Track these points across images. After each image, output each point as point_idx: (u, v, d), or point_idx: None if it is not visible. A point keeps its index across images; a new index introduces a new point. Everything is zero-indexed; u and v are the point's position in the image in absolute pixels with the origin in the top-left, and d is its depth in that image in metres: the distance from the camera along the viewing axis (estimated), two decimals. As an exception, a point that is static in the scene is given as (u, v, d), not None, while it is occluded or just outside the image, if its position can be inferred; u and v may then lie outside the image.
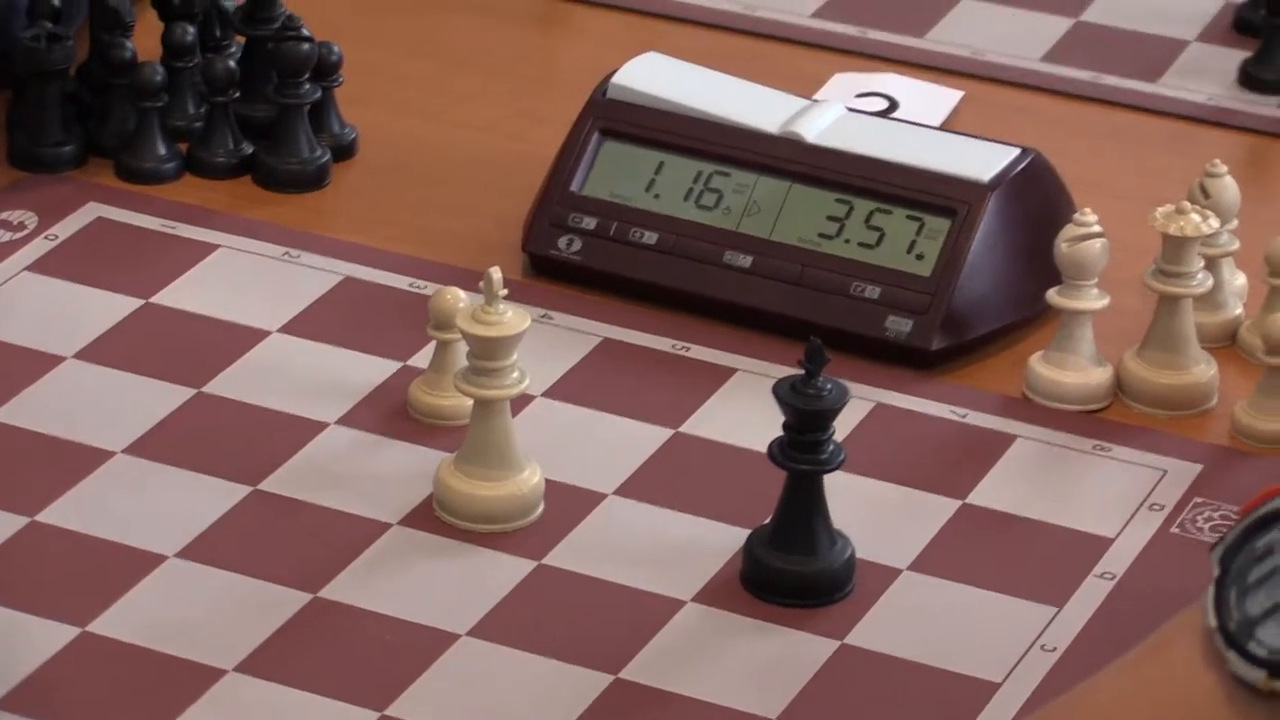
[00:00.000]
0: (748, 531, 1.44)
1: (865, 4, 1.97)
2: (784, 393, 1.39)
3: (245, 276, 1.66)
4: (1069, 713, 1.06)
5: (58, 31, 1.71)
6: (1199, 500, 1.50)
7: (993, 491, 1.51)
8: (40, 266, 1.66)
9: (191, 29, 1.72)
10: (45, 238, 1.67)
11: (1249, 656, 0.93)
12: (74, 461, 1.49)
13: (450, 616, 1.39)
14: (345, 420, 1.55)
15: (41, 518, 1.44)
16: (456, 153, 1.75)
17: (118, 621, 1.36)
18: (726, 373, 1.60)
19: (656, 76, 1.68)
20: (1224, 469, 1.52)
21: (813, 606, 1.41)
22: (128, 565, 1.40)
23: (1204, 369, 1.58)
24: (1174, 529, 1.48)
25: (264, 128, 1.73)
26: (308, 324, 1.62)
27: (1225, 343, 1.60)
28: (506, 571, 1.43)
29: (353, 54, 1.74)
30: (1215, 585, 0.95)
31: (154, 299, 1.63)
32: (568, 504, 1.48)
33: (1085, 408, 1.58)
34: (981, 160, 1.63)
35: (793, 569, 1.42)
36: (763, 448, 1.41)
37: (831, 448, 1.40)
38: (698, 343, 1.62)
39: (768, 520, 1.43)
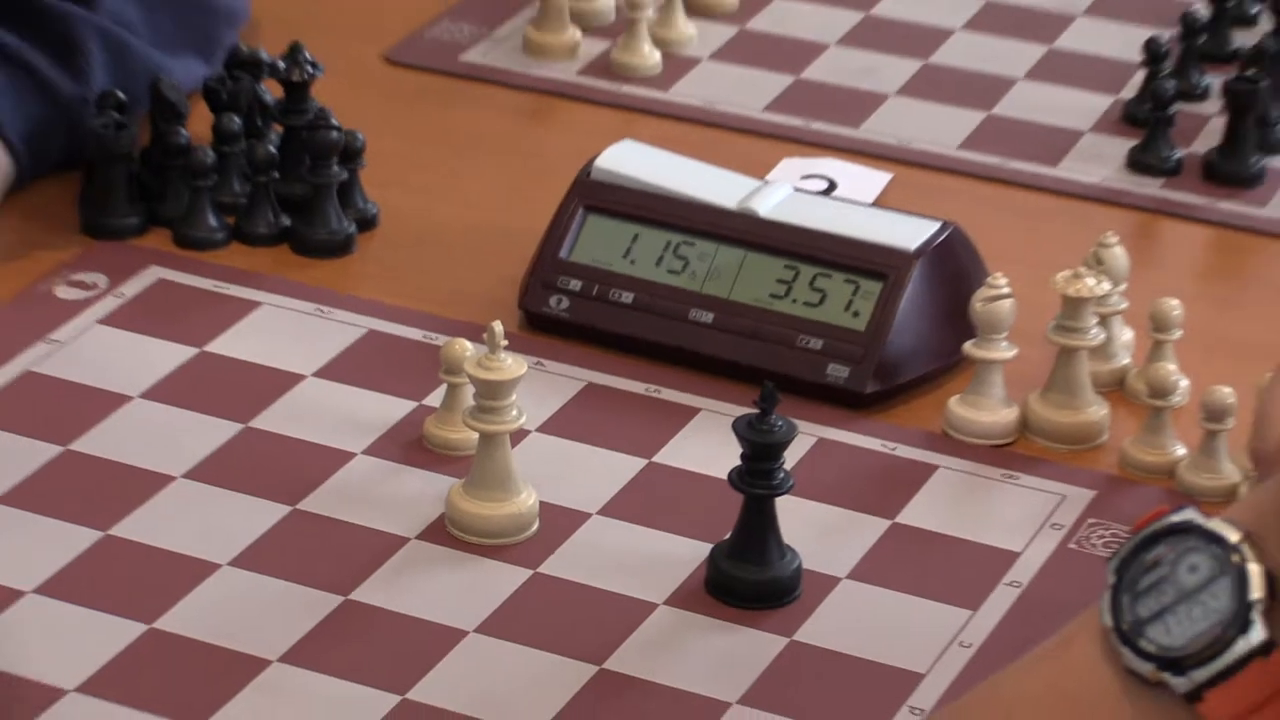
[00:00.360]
0: (711, 545, 1.47)
1: (808, 99, 1.99)
2: (742, 429, 1.42)
3: (284, 329, 1.68)
4: (983, 703, 1.08)
5: (123, 120, 1.72)
6: (1092, 521, 1.53)
7: (917, 513, 1.54)
8: (110, 320, 1.67)
9: (237, 119, 1.74)
10: (114, 296, 1.69)
11: (1140, 652, 0.96)
12: (141, 484, 1.51)
13: (460, 616, 1.42)
14: (370, 451, 1.57)
15: (114, 531, 1.46)
16: (462, 225, 1.76)
17: (180, 619, 1.38)
18: (692, 411, 1.63)
19: (632, 161, 1.71)
20: (1113, 495, 1.55)
21: (766, 609, 1.44)
22: (188, 572, 1.43)
23: (1097, 410, 1.61)
24: (1071, 545, 1.50)
25: (299, 203, 1.74)
26: (337, 369, 1.64)
27: (1115, 387, 1.63)
28: (507, 579, 1.46)
29: (374, 141, 1.75)
30: (1111, 591, 0.98)
31: (207, 348, 1.66)
32: (558, 522, 1.51)
33: (996, 442, 1.61)
34: (907, 232, 1.65)
35: (749, 577, 1.45)
36: (724, 475, 1.44)
37: (782, 475, 1.44)
38: (668, 386, 1.65)
39: (728, 536, 1.46)
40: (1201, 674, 0.94)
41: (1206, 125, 1.91)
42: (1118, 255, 1.64)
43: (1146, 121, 1.90)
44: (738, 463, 1.43)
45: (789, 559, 1.46)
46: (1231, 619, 0.94)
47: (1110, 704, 0.98)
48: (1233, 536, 0.96)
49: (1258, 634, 0.92)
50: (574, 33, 2.03)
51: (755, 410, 1.43)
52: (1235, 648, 0.93)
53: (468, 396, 1.51)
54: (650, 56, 2.02)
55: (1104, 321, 1.62)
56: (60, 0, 1.80)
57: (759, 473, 1.43)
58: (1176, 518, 0.98)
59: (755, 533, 1.45)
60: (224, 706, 1.31)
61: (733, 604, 1.45)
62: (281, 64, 1.78)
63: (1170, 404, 1.54)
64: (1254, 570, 0.94)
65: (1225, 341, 1.65)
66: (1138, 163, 1.90)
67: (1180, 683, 0.95)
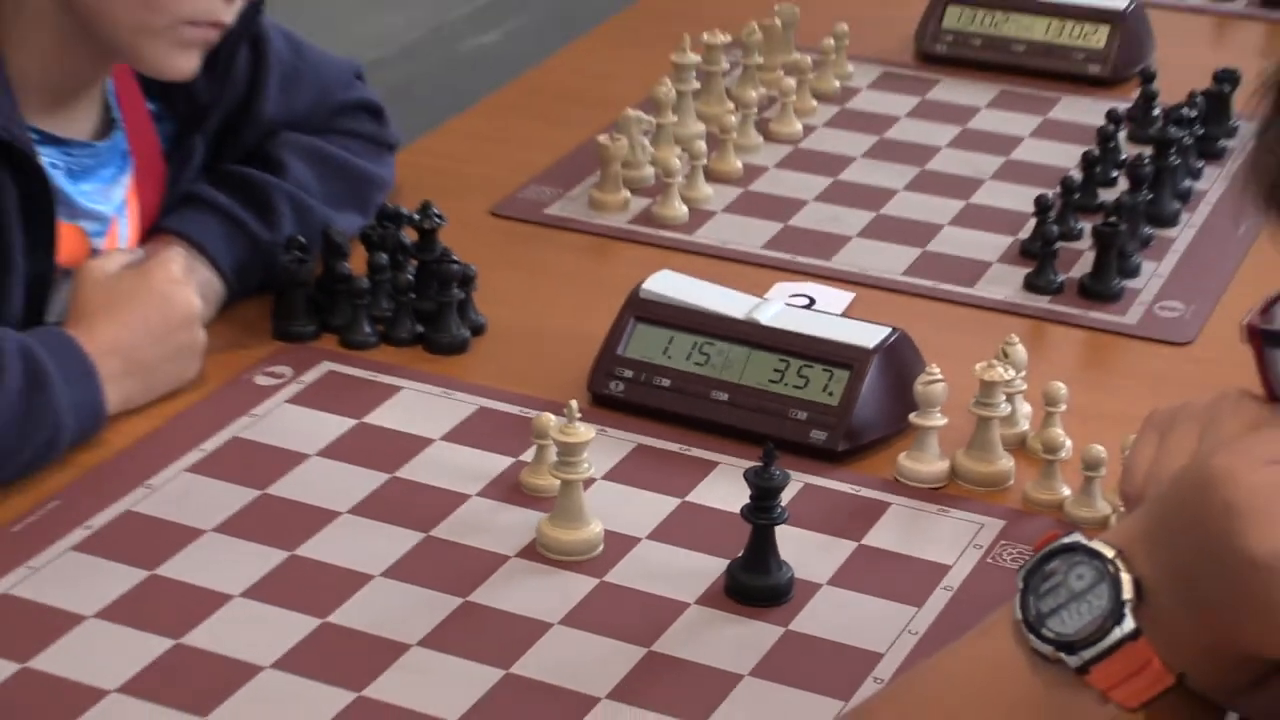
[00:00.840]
0: (728, 561, 1.49)
1: (793, 240, 2.01)
2: (750, 477, 1.45)
3: (418, 407, 1.70)
4: (924, 676, 1.10)
5: (303, 257, 1.75)
6: (1003, 542, 1.54)
7: (876, 537, 1.56)
8: (294, 400, 1.69)
9: (384, 256, 1.76)
10: (296, 383, 1.71)
11: (1042, 638, 0.99)
12: (316, 518, 1.53)
13: (546, 613, 1.44)
14: (481, 493, 1.59)
15: (298, 551, 1.49)
16: (546, 331, 1.79)
17: (345, 614, 1.42)
18: (713, 465, 1.64)
19: (668, 285, 1.73)
20: (1018, 524, 1.56)
21: (768, 607, 1.46)
22: (351, 581, 1.46)
23: (1005, 462, 1.62)
24: (988, 560, 1.52)
25: (429, 316, 1.76)
26: (457, 435, 1.66)
27: (1018, 446, 1.64)
28: (580, 586, 1.48)
29: (484, 272, 1.77)
30: (1020, 594, 1.00)
31: (363, 420, 1.68)
32: (617, 544, 1.53)
33: (933, 486, 1.62)
34: (866, 335, 1.67)
35: (756, 584, 1.47)
36: (737, 510, 1.47)
37: (779, 510, 1.46)
38: (695, 446, 1.66)
39: (740, 554, 1.47)
40: (1088, 653, 0.97)
41: (1080, 258, 1.92)
42: (1019, 351, 1.66)
43: (1037, 255, 1.92)
44: (747, 501, 1.45)
45: (785, 570, 1.47)
46: (1110, 613, 0.97)
47: (1021, 676, 1.01)
48: (1109, 553, 0.99)
49: (1129, 624, 0.95)
50: (625, 193, 2.05)
51: (759, 464, 1.45)
52: (1112, 634, 0.97)
53: (551, 454, 1.52)
54: (680, 210, 2.03)
55: (1010, 399, 1.64)
56: (261, 173, 1.82)
57: (762, 509, 1.45)
58: (1068, 540, 1.01)
59: (760, 552, 1.47)
60: (378, 678, 1.34)
61: (744, 603, 1.47)
62: (416, 216, 1.81)
63: (1059, 458, 1.56)
64: (1125, 578, 0.97)
65: (1097, 413, 1.66)
66: (1031, 285, 1.92)
67: (1073, 660, 0.98)
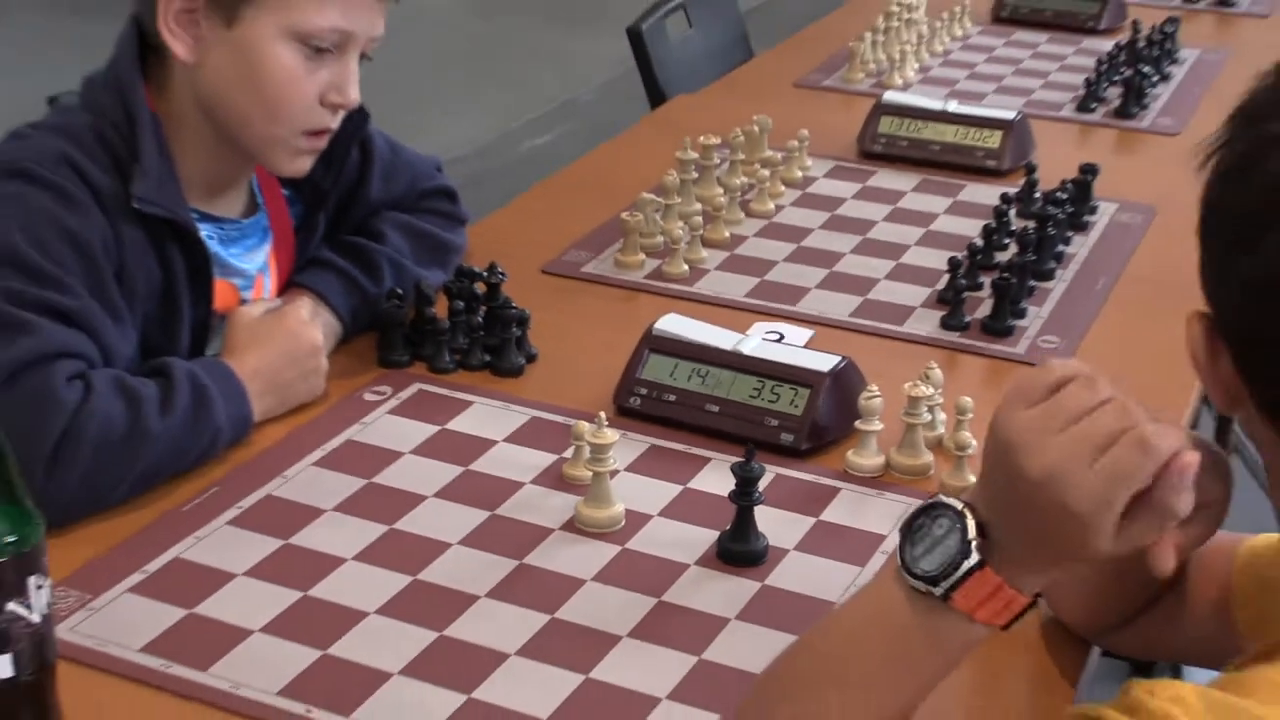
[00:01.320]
0: (719, 532, 1.46)
1: (767, 292, 1.99)
2: (735, 469, 1.44)
3: (486, 417, 1.67)
4: (833, 620, 1.10)
5: (400, 305, 1.74)
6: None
7: (831, 514, 1.53)
8: (393, 412, 1.67)
9: (461, 303, 1.75)
10: (394, 399, 1.70)
11: (914, 575, 0.98)
12: (409, 501, 1.52)
13: (582, 571, 1.42)
14: (533, 481, 1.56)
15: (396, 525, 1.47)
16: (583, 360, 1.77)
17: (431, 573, 1.41)
18: (707, 460, 1.61)
19: (675, 324, 1.71)
20: (936, 503, 1.52)
21: (749, 567, 1.44)
22: (434, 548, 1.44)
23: (927, 457, 1.60)
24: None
25: (494, 349, 1.74)
26: (515, 438, 1.64)
27: (936, 445, 1.61)
28: (607, 552, 1.46)
29: (536, 314, 1.74)
30: (899, 545, 1.00)
31: (445, 427, 1.65)
32: (635, 520, 1.50)
33: (872, 476, 1.59)
34: (823, 362, 1.64)
35: (740, 550, 1.45)
36: (725, 494, 1.44)
37: (758, 494, 1.44)
38: (695, 446, 1.63)
39: (728, 527, 1.45)
40: (947, 584, 0.98)
41: (982, 304, 1.89)
42: (937, 374, 1.64)
43: (950, 302, 1.90)
44: (733, 487, 1.43)
45: (761, 540, 1.45)
46: (960, 550, 0.98)
47: (903, 608, 1.00)
48: (958, 505, 1.00)
49: (974, 557, 0.96)
50: (642, 256, 2.03)
51: (742, 459, 1.43)
52: (962, 567, 0.98)
53: (586, 452, 1.50)
54: (683, 268, 2.02)
55: (930, 409, 1.61)
56: (368, 241, 1.81)
57: (744, 493, 1.43)
58: (933, 499, 1.02)
59: (743, 525, 1.45)
60: (454, 621, 1.34)
61: (730, 565, 1.44)
62: (485, 274, 1.79)
63: (967, 454, 1.53)
64: (970, 522, 0.98)
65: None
66: (945, 324, 1.90)
67: (937, 590, 0.99)
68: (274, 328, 1.62)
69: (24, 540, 1.08)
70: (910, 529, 0.99)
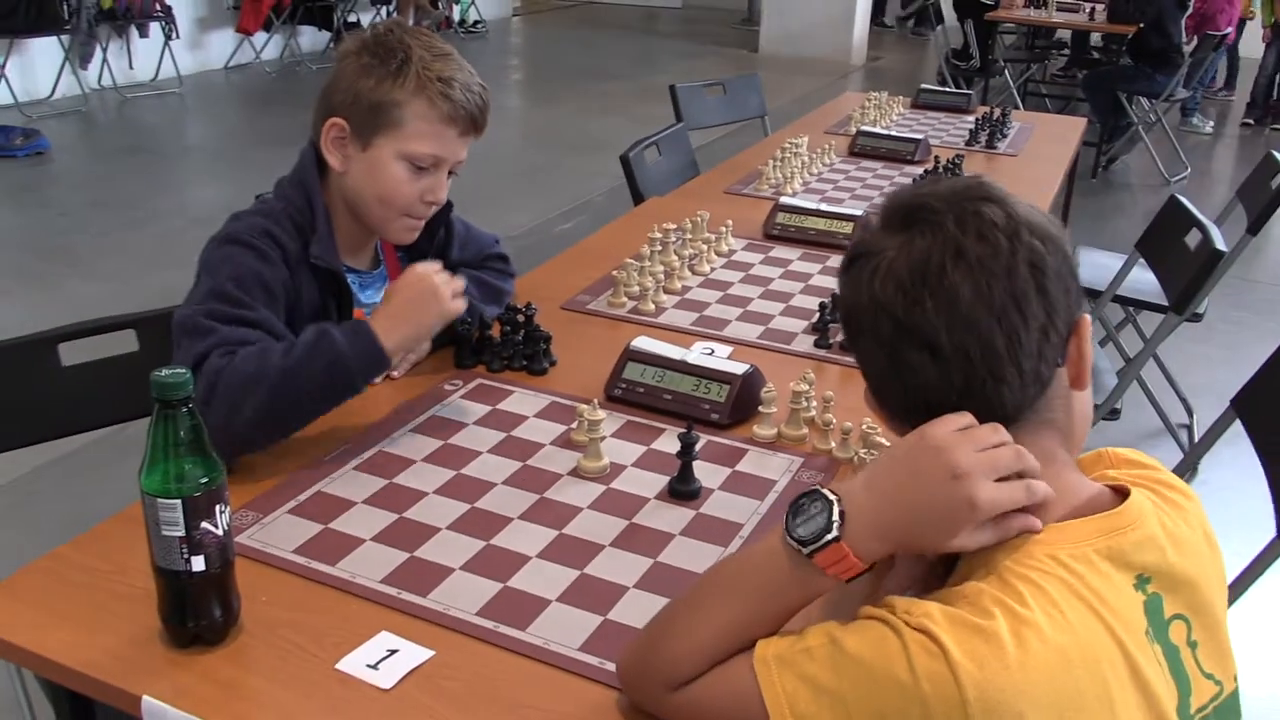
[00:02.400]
0: (669, 477, 1.40)
1: (705, 323, 1.92)
2: (680, 436, 1.38)
3: (522, 401, 1.61)
4: (727, 562, 1.01)
5: (469, 326, 1.68)
6: (802, 469, 1.45)
7: (743, 466, 1.46)
8: (463, 396, 1.60)
9: (509, 328, 1.69)
10: (464, 389, 1.63)
11: (793, 538, 0.92)
12: (470, 456, 1.45)
13: (581, 502, 1.37)
14: (552, 443, 1.49)
15: (464, 471, 1.40)
16: (584, 365, 1.70)
17: (484, 501, 1.32)
18: (663, 430, 1.54)
19: (646, 344, 1.65)
20: (810, 460, 1.48)
21: (688, 501, 1.38)
22: (485, 486, 1.36)
23: (805, 430, 1.53)
24: (794, 479, 1.43)
25: (529, 356, 1.68)
26: (541, 414, 1.57)
27: (810, 422, 1.54)
28: (596, 489, 1.39)
29: (557, 336, 1.70)
30: (786, 517, 0.93)
31: (495, 407, 1.58)
32: (616, 469, 1.43)
33: (769, 441, 1.52)
34: (738, 367, 1.59)
35: (683, 489, 1.38)
36: (674, 452, 1.37)
37: (695, 451, 1.38)
38: (656, 421, 1.56)
39: (675, 474, 1.39)
40: (813, 548, 0.91)
41: (839, 332, 1.81)
42: (811, 376, 1.57)
43: (820, 330, 1.83)
44: (679, 448, 1.36)
45: (696, 483, 1.39)
46: (826, 526, 0.91)
47: (782, 556, 0.93)
48: (831, 496, 0.93)
49: (834, 531, 0.89)
50: (625, 299, 1.96)
51: (685, 430, 1.37)
52: (826, 537, 0.91)
53: (585, 425, 1.44)
54: (651, 307, 1.94)
55: (807, 399, 1.54)
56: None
57: (686, 450, 1.37)
58: (813, 488, 0.94)
59: (685, 473, 1.39)
60: (497, 535, 1.27)
61: (677, 500, 1.38)
62: (523, 309, 1.71)
63: (829, 428, 1.48)
64: (836, 509, 0.91)
65: (846, 406, 1.56)
66: (817, 344, 1.82)
67: (805, 551, 0.92)
68: (404, 282, 1.49)
69: (212, 481, 1.02)
70: (795, 506, 0.93)
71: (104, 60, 7.29)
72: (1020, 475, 0.88)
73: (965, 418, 0.90)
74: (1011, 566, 0.87)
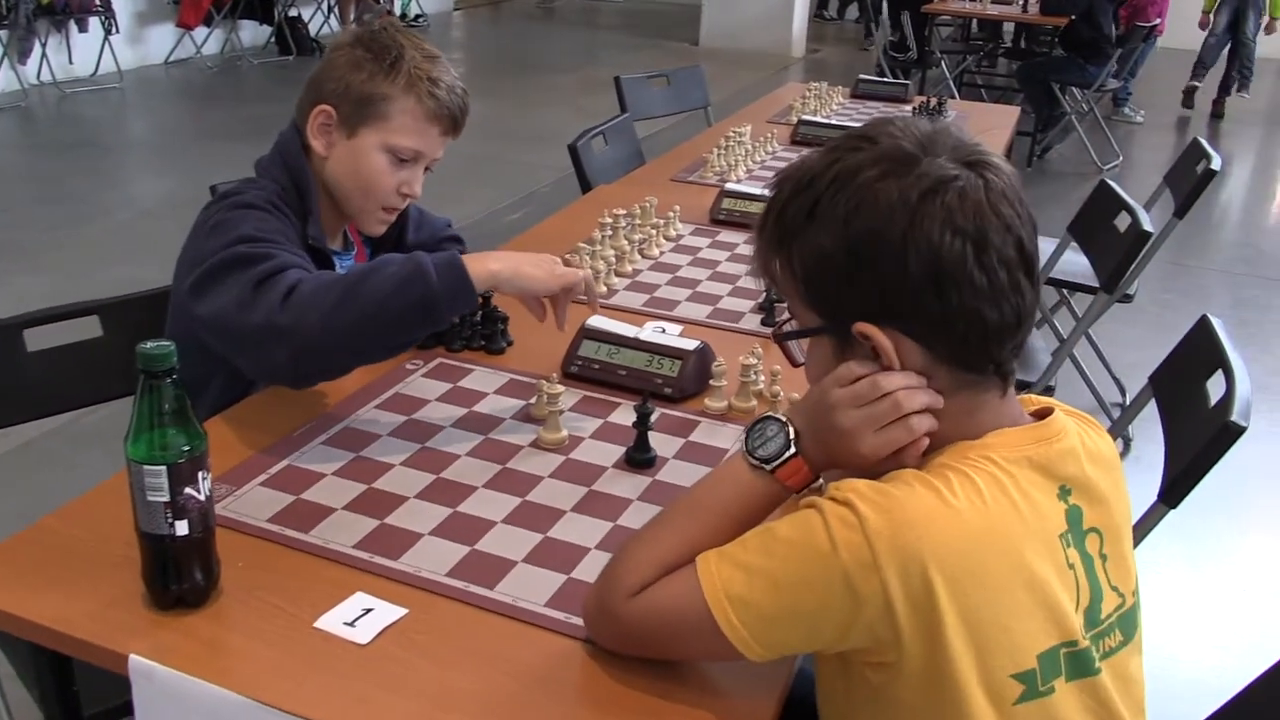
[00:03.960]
0: (626, 447, 1.46)
1: (656, 304, 1.97)
2: (637, 408, 1.43)
3: (482, 378, 1.65)
4: (696, 485, 1.08)
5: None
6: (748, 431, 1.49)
7: (696, 436, 1.52)
8: (425, 375, 1.64)
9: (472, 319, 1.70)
10: (425, 367, 1.67)
11: (754, 457, 1.03)
12: (431, 430, 1.49)
13: (542, 471, 1.42)
14: (513, 417, 1.54)
15: (427, 445, 1.43)
16: (542, 344, 1.73)
17: (448, 472, 1.36)
18: (618, 404, 1.59)
19: (600, 322, 1.70)
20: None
21: (645, 469, 1.43)
22: (449, 458, 1.40)
23: (754, 402, 1.59)
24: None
25: (488, 336, 1.73)
26: (501, 390, 1.61)
27: (759, 395, 1.61)
28: (558, 460, 1.45)
29: (514, 318, 1.73)
30: (744, 439, 1.05)
31: (457, 384, 1.63)
32: (575, 441, 1.49)
33: (720, 414, 1.58)
34: (689, 344, 1.64)
35: (639, 458, 1.44)
36: (630, 424, 1.42)
37: (650, 422, 1.44)
38: (612, 396, 1.61)
39: (631, 443, 1.45)
40: (774, 464, 1.02)
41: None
42: (759, 351, 1.64)
43: (766, 309, 1.91)
44: (635, 419, 1.42)
45: (652, 452, 1.45)
46: (784, 445, 1.02)
47: (744, 474, 1.03)
48: (784, 419, 1.03)
49: (791, 450, 1.01)
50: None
51: (641, 402, 1.43)
52: (785, 455, 1.02)
53: (545, 399, 1.48)
54: (603, 288, 2.00)
55: (755, 373, 1.61)
56: None
57: (642, 420, 1.43)
58: (765, 414, 1.06)
59: (641, 442, 1.45)
60: (463, 502, 1.32)
61: (635, 468, 1.43)
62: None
63: (777, 400, 1.55)
64: (791, 430, 1.03)
65: (798, 382, 1.62)
66: (764, 323, 1.89)
67: (768, 467, 1.02)
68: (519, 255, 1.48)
69: (194, 449, 1.07)
70: (751, 430, 1.04)
71: (43, 55, 7.20)
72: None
73: (854, 369, 0.99)
74: (946, 462, 0.97)
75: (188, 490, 1.07)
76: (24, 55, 7.11)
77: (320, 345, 1.34)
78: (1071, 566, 0.96)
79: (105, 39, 7.50)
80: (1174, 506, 1.54)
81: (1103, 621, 0.99)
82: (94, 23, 7.44)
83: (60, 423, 1.86)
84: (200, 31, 8.42)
